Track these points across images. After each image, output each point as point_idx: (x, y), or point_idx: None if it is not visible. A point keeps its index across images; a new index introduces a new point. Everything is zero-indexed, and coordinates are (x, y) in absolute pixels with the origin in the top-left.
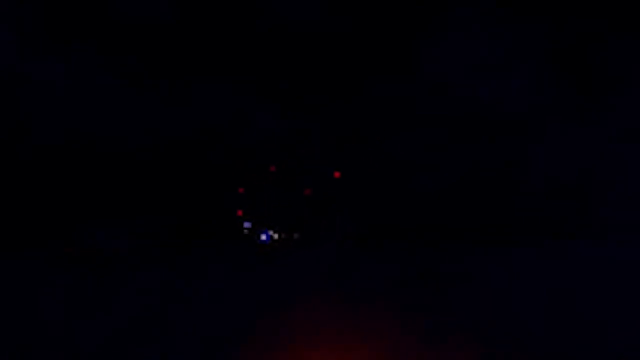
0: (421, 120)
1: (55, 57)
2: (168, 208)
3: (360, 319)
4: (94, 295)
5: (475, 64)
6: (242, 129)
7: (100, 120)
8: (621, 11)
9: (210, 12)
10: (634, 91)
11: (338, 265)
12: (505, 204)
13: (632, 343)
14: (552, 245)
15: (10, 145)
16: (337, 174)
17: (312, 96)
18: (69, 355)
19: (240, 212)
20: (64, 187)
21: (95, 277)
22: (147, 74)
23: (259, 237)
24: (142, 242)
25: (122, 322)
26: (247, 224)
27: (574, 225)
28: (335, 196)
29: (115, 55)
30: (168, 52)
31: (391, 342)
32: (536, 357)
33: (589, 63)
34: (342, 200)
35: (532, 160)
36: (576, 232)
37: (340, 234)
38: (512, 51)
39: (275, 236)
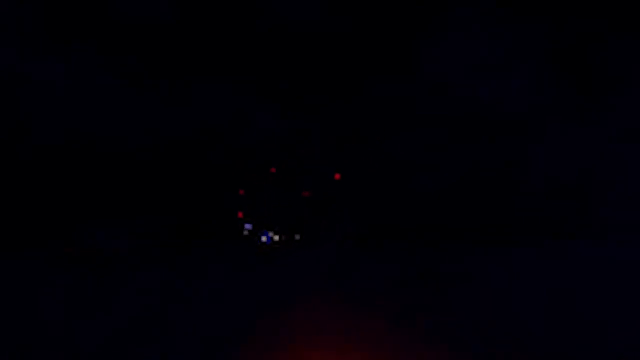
0: (421, 120)
1: (55, 57)
2: (168, 208)
3: (360, 319)
4: (94, 295)
5: (475, 64)
6: (242, 129)
7: (100, 120)
8: (621, 11)
9: (210, 12)
10: (634, 91)
11: (338, 265)
12: (505, 204)
13: (632, 343)
14: (552, 245)
15: (10, 145)
16: (337, 176)
17: (312, 96)
18: (69, 355)
19: (240, 214)
20: (64, 187)
21: (95, 277)
22: (147, 74)
23: (259, 238)
24: (142, 242)
25: (122, 322)
26: (247, 226)
27: (574, 225)
28: (335, 196)
29: (115, 55)
30: (168, 52)
31: (391, 342)
32: (536, 357)
33: (589, 63)
34: (342, 201)
35: (532, 160)
36: (576, 232)
37: (340, 234)
38: (512, 51)
39: (276, 238)
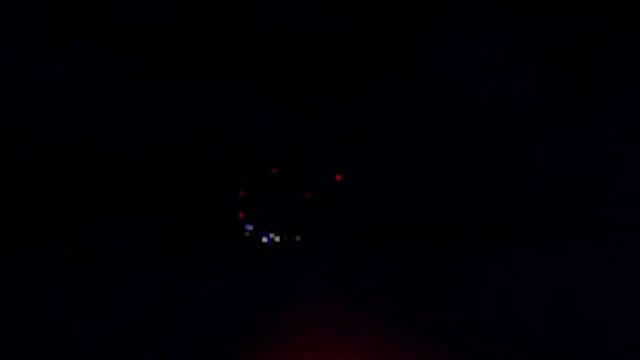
0: (421, 120)
1: (55, 57)
2: (168, 208)
3: (360, 319)
4: (94, 295)
5: (475, 64)
6: (242, 129)
7: (100, 120)
8: (621, 11)
9: (210, 12)
10: (634, 91)
11: (338, 266)
12: (505, 204)
13: (632, 343)
14: (552, 245)
15: (10, 145)
16: (338, 177)
17: (312, 96)
18: (69, 355)
19: (241, 215)
20: (64, 187)
21: (95, 277)
22: (147, 74)
23: (260, 239)
24: (142, 242)
25: (122, 322)
26: (248, 227)
27: (574, 225)
28: (336, 197)
29: (115, 55)
30: (168, 52)
31: (391, 342)
32: (536, 357)
33: (589, 63)
34: (342, 201)
35: (532, 160)
36: (576, 232)
37: (340, 234)
38: (512, 51)
39: (277, 239)
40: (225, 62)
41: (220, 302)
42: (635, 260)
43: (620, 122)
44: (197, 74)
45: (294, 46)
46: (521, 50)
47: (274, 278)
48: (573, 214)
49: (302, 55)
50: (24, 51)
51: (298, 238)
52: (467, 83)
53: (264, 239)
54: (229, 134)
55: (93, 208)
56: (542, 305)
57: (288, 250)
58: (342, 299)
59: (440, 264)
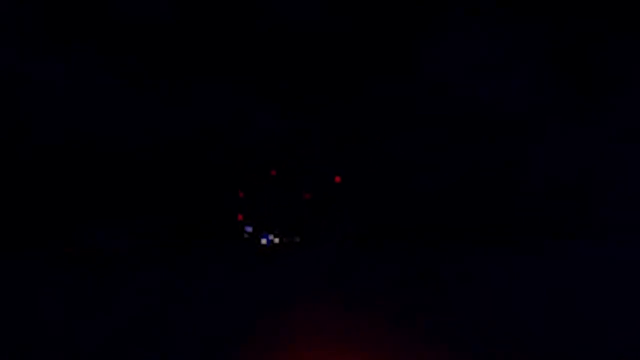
0: (421, 120)
1: (55, 57)
2: (168, 208)
3: (360, 319)
4: (94, 295)
5: (475, 64)
6: (242, 129)
7: (100, 120)
8: (621, 11)
9: (210, 12)
10: (634, 91)
11: (338, 266)
12: (505, 204)
13: (632, 343)
14: (552, 245)
15: (10, 145)
16: (338, 179)
17: (312, 96)
18: (69, 355)
19: (240, 217)
20: (64, 187)
21: (95, 277)
22: (147, 74)
23: (259, 241)
24: (142, 242)
25: (122, 322)
26: (248, 228)
27: (574, 225)
28: (335, 197)
29: (115, 55)
30: (168, 52)
31: (391, 342)
32: (536, 357)
33: (589, 63)
34: (342, 201)
35: (532, 160)
36: (576, 232)
37: (341, 234)
38: (512, 51)
39: (276, 240)
40: (225, 62)
41: (220, 302)
42: (635, 260)
43: (620, 122)
44: (197, 74)
45: (294, 46)
46: (521, 50)
47: (274, 278)
48: (573, 214)
49: (302, 55)
50: (24, 51)
51: (297, 239)
52: (467, 83)
53: (263, 241)
54: (229, 134)
55: (93, 208)
56: (542, 305)
57: (288, 250)
58: (342, 299)
59: (440, 264)
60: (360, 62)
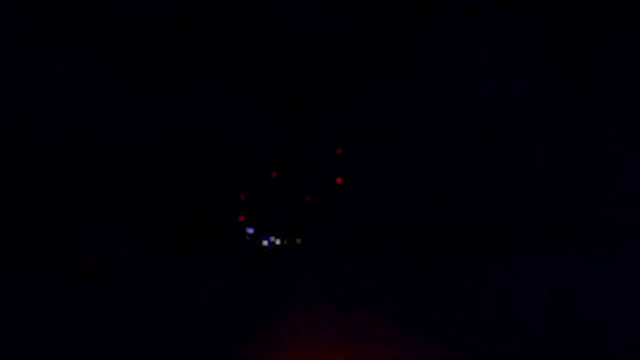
0: (421, 120)
1: (55, 57)
2: (168, 208)
3: (360, 319)
4: (94, 296)
5: (475, 64)
6: (242, 129)
7: (100, 120)
8: (621, 11)
9: (210, 12)
10: (634, 91)
11: (338, 266)
12: (506, 205)
13: (632, 343)
14: (552, 245)
15: (10, 145)
16: (339, 180)
17: (312, 96)
18: (69, 355)
19: (242, 218)
20: (63, 187)
21: (95, 277)
22: (147, 74)
23: (260, 242)
24: (142, 243)
25: (122, 322)
26: (249, 230)
27: (574, 225)
28: (336, 197)
29: (115, 55)
30: (168, 52)
31: (391, 342)
32: (536, 357)
33: (589, 63)
34: (343, 201)
35: (532, 160)
36: (576, 233)
37: (341, 234)
38: (512, 51)
39: (277, 242)
40: (225, 62)
41: (220, 303)
42: (635, 260)
43: (620, 122)
44: (197, 74)
45: (294, 46)
46: (521, 50)
47: (274, 278)
48: (573, 214)
49: (302, 55)
50: (24, 51)
51: (298, 241)
52: (467, 83)
53: (265, 242)
54: (229, 134)
55: (93, 208)
56: (542, 305)
57: (289, 252)
58: (342, 300)
59: (440, 264)
60: (360, 62)
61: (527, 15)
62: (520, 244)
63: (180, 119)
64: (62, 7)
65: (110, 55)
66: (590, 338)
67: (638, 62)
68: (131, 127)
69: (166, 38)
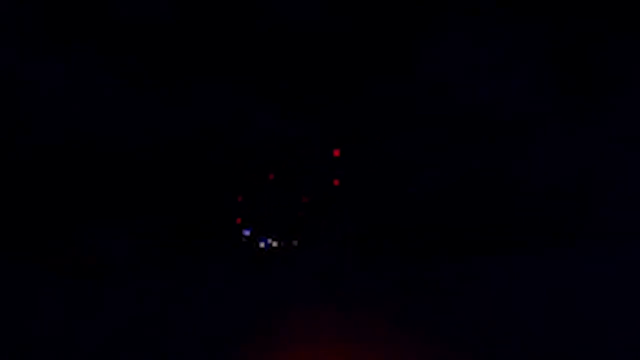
0: (421, 120)
1: (55, 57)
2: (168, 208)
3: (360, 319)
4: (94, 296)
5: (475, 64)
6: (242, 129)
7: (100, 120)
8: (621, 11)
9: (210, 12)
10: (634, 91)
11: (338, 266)
12: (506, 205)
13: (632, 343)
14: (552, 245)
15: (10, 145)
16: (336, 182)
17: (312, 96)
18: (69, 355)
19: (239, 220)
20: (63, 187)
21: (95, 276)
22: (147, 74)
23: (257, 244)
24: (142, 243)
25: (122, 322)
26: (246, 232)
27: (574, 225)
28: (335, 197)
29: (115, 55)
30: (168, 52)
31: (391, 342)
32: (536, 357)
33: (589, 63)
34: (342, 201)
35: (532, 160)
36: (576, 233)
37: (340, 234)
38: (512, 51)
39: (274, 244)
40: (225, 62)
41: (220, 303)
42: (635, 260)
43: (620, 122)
44: (197, 74)
45: (294, 46)
46: (521, 50)
47: (274, 278)
48: (573, 214)
49: (302, 55)
50: (24, 51)
51: (295, 243)
52: (467, 83)
53: (262, 244)
54: (229, 134)
55: (93, 208)
56: (542, 305)
57: (287, 252)
58: (342, 300)
59: (440, 264)
60: (360, 62)
61: (527, 15)
62: (520, 244)
63: (180, 119)
64: (62, 7)
65: (110, 55)
66: (590, 338)
67: (638, 62)
68: (131, 127)
69: (166, 38)
